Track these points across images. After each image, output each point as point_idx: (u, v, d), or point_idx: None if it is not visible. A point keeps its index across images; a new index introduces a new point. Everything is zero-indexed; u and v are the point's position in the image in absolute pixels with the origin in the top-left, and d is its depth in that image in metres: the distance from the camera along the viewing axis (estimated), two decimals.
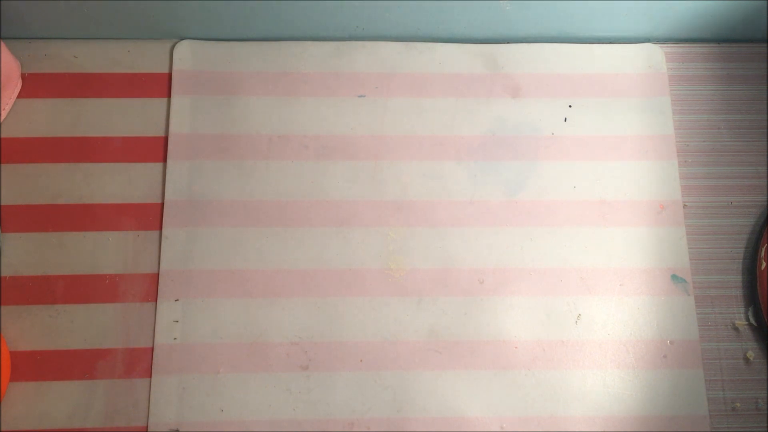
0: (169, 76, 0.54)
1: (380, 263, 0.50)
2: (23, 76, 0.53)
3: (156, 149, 0.52)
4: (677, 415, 0.48)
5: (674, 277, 0.51)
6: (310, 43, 0.55)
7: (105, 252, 0.50)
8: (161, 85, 0.54)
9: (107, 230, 0.50)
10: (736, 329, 0.50)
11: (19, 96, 0.53)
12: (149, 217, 0.51)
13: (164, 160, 0.52)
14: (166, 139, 0.52)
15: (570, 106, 0.54)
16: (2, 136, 0.52)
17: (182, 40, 0.55)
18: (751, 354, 0.49)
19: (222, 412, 0.47)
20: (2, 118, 0.52)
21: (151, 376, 0.47)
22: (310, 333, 0.49)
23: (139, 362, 0.48)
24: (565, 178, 0.53)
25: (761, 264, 0.50)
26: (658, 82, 0.55)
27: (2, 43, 0.51)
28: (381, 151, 0.53)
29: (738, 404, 0.48)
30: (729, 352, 0.49)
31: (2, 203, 0.50)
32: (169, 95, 0.53)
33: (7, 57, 0.51)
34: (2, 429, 0.46)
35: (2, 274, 0.49)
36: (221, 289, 0.49)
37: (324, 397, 0.47)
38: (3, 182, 0.51)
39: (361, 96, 0.54)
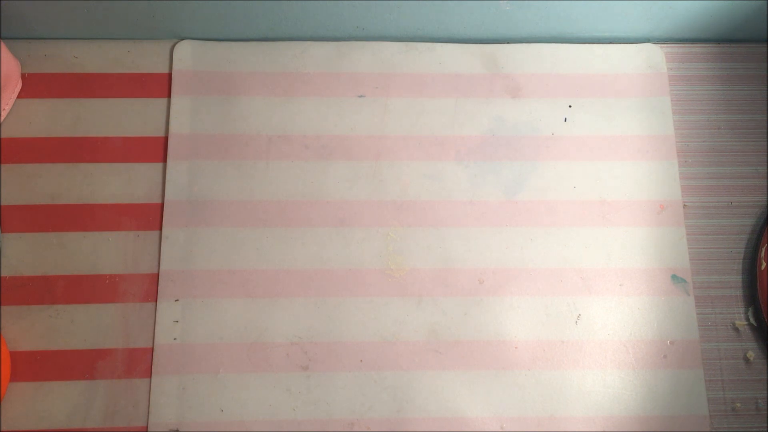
0: (169, 76, 0.54)
1: (380, 263, 0.50)
2: (23, 76, 0.53)
3: (156, 149, 0.52)
4: (677, 415, 0.48)
5: (674, 277, 0.50)
6: (310, 43, 0.55)
7: (105, 252, 0.50)
8: (161, 85, 0.54)
9: (107, 230, 0.50)
10: (736, 329, 0.50)
11: (19, 96, 0.53)
12: (149, 217, 0.51)
13: (164, 160, 0.52)
14: (166, 139, 0.52)
15: (570, 106, 0.54)
16: (2, 136, 0.52)
17: (182, 40, 0.55)
18: (751, 354, 0.49)
19: (222, 412, 0.47)
20: (2, 118, 0.52)
21: (151, 376, 0.47)
22: (310, 333, 0.49)
23: (139, 362, 0.48)
24: (565, 178, 0.53)
25: (761, 264, 0.50)
26: (658, 82, 0.55)
27: (2, 43, 0.51)
28: (381, 151, 0.53)
29: (738, 404, 0.48)
30: (729, 352, 0.49)
31: (2, 203, 0.50)
32: (169, 95, 0.53)
33: (7, 57, 0.51)
34: (2, 429, 0.46)
35: (2, 274, 0.49)
36: (221, 289, 0.49)
37: (324, 397, 0.47)
38: (3, 182, 0.51)
39: (361, 96, 0.54)
